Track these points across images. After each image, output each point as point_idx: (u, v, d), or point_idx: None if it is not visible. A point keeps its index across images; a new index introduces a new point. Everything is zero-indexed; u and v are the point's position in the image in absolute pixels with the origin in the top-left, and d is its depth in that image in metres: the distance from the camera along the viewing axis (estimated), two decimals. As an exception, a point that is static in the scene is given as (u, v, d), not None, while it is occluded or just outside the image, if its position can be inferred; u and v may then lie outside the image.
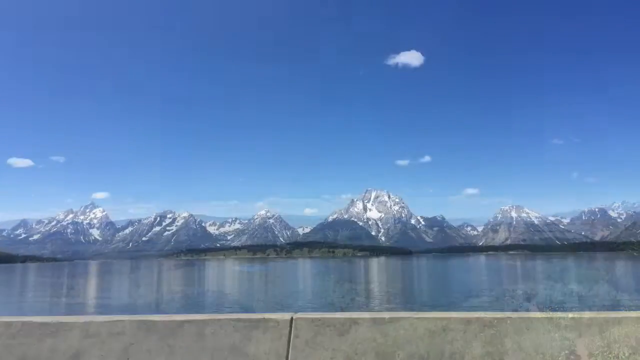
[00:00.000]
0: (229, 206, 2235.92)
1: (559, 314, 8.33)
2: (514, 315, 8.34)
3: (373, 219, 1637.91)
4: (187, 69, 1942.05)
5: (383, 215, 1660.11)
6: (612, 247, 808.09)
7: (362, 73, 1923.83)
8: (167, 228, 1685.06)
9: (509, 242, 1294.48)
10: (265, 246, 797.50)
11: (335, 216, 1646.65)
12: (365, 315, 8.44)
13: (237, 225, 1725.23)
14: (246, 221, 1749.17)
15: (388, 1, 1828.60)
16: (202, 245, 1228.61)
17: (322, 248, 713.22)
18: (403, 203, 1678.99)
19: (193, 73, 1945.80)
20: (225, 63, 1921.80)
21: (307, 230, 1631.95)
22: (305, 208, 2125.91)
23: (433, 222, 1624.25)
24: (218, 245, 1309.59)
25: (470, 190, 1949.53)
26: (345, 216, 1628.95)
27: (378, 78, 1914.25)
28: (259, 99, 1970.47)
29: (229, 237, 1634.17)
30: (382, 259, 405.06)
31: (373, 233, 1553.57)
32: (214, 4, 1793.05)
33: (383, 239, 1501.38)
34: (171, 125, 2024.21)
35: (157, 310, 49.63)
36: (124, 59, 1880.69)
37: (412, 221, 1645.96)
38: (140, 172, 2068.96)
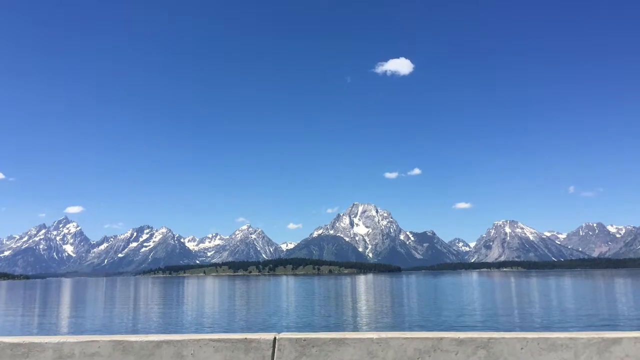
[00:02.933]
0: (209, 221, 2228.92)
1: (555, 334, 8.32)
2: (509, 335, 8.27)
3: (360, 234, 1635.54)
4: (166, 79, 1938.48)
5: (370, 231, 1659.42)
6: (611, 264, 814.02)
7: (350, 81, 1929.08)
8: (144, 244, 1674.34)
9: (502, 258, 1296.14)
10: (247, 263, 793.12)
11: (320, 231, 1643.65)
12: (352, 335, 8.34)
13: (217, 241, 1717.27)
14: (227, 237, 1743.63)
15: (377, 7, 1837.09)
16: (181, 262, 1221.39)
17: (306, 265, 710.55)
18: (391, 218, 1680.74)
19: (172, 83, 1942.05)
20: (206, 72, 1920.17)
21: (291, 246, 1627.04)
22: (289, 223, 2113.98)
23: (423, 238, 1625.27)
24: (197, 262, 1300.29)
25: (462, 205, 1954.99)
26: (331, 231, 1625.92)
27: (366, 86, 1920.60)
28: (240, 109, 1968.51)
29: (209, 254, 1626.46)
30: (370, 276, 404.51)
31: (360, 249, 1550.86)
32: (200, 11, 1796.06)
33: (370, 255, 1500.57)
34: (149, 138, 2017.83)
35: (134, 330, 49.30)
36: (99, 70, 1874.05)
37: (401, 237, 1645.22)
38: (116, 184, 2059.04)
